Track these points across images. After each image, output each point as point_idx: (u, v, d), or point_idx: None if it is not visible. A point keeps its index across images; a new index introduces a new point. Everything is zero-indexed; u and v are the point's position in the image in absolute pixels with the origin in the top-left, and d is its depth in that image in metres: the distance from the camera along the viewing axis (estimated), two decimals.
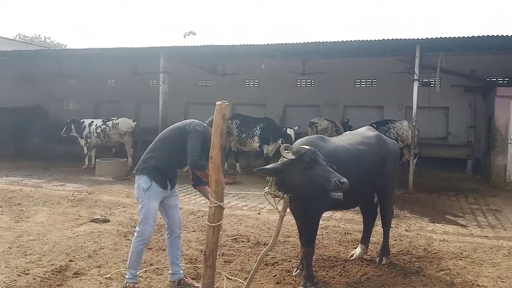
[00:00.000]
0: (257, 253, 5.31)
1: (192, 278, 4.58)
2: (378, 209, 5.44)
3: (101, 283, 4.43)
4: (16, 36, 38.82)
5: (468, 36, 9.51)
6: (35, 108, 16.48)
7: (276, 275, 4.78)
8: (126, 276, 4.27)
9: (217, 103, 3.78)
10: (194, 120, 4.37)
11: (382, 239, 5.43)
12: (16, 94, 16.44)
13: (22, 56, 15.85)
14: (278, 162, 4.20)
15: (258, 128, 12.17)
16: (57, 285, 4.34)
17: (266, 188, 4.30)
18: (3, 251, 5.24)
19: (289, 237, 6.15)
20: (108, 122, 12.90)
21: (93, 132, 12.86)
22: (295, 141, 5.78)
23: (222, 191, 3.87)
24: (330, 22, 74.92)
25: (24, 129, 15.59)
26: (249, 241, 6.01)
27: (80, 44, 69.89)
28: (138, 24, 76.57)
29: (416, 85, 10.14)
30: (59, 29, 71.57)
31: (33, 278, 4.46)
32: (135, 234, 4.25)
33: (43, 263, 4.90)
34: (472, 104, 14.02)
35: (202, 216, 7.15)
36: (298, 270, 4.76)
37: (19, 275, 4.52)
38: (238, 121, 12.27)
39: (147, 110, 16.65)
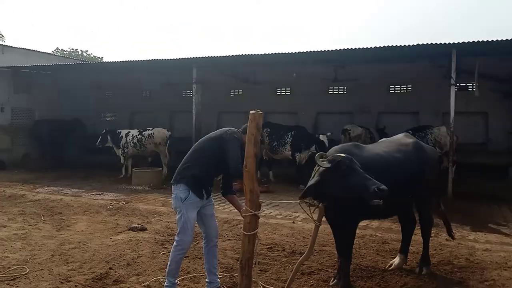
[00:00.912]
0: (293, 262, 5.28)
1: (229, 287, 4.59)
2: (417, 218, 5.31)
3: None
4: (55, 50, 40.41)
5: (506, 39, 9.20)
6: (74, 121, 17.07)
7: (312, 284, 4.73)
8: (165, 284, 4.32)
9: (251, 112, 3.80)
10: (230, 128, 4.40)
11: (421, 249, 5.28)
12: (56, 106, 17.05)
13: (61, 70, 16.45)
14: (315, 174, 4.14)
15: (289, 136, 12.15)
16: None
17: None
18: (46, 259, 5.41)
19: (325, 246, 6.08)
20: (144, 132, 13.23)
21: (130, 142, 13.21)
22: (329, 147, 5.72)
23: (257, 200, 3.88)
24: (363, 28, 74.27)
25: (63, 140, 16.15)
26: (284, 250, 5.98)
27: (116, 56, 71.95)
28: (170, 37, 78.13)
29: (453, 90, 9.88)
30: (96, 42, 73.95)
31: (75, 285, 4.59)
32: (174, 244, 4.30)
33: (84, 271, 5.03)
34: None
35: (237, 225, 7.18)
36: (335, 280, 4.69)
37: (62, 283, 4.66)
38: (269, 130, 12.27)
39: (180, 120, 16.92)
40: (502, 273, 5.08)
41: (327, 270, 5.15)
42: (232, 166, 4.11)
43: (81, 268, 5.13)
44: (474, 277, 4.97)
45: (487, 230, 7.18)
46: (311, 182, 4.13)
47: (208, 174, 4.30)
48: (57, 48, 43.06)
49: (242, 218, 3.92)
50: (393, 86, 15.24)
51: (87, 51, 44.87)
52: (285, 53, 11.30)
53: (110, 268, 5.11)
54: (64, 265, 5.23)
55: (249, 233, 3.82)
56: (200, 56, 12.28)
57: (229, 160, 4.13)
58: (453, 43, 9.59)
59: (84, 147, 16.72)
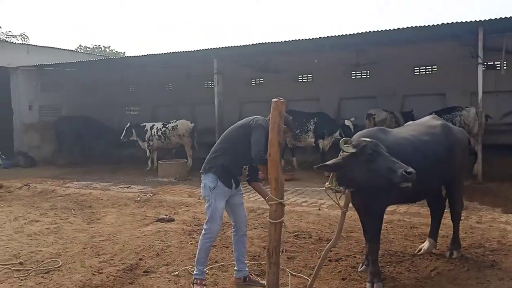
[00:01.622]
0: (320, 249, 5.26)
1: (256, 275, 4.61)
2: (446, 201, 5.20)
3: (169, 280, 4.58)
4: (78, 47, 41.11)
5: None
6: (88, 118, 17.26)
7: (341, 271, 4.71)
8: (194, 272, 4.37)
9: (273, 100, 3.78)
10: (256, 116, 4.37)
11: (451, 232, 5.18)
12: (81, 102, 17.37)
13: (85, 66, 16.70)
14: (338, 157, 4.12)
15: (312, 123, 12.07)
16: (129, 283, 4.54)
17: (327, 183, 4.23)
18: (78, 252, 5.56)
19: (352, 232, 6.04)
20: (168, 125, 13.37)
21: (155, 135, 13.38)
22: (354, 132, 5.64)
23: (282, 188, 3.86)
24: (383, 10, 72.80)
25: (87, 136, 16.44)
26: (311, 237, 5.97)
27: (138, 51, 72.77)
28: (189, 28, 78.42)
29: (480, 69, 9.59)
30: (118, 38, 74.92)
31: (107, 276, 4.69)
32: (203, 232, 4.34)
33: (115, 262, 5.14)
34: None
35: (263, 214, 7.20)
36: (364, 266, 4.66)
37: (94, 274, 4.77)
38: (291, 117, 12.15)
39: (203, 112, 16.96)
40: None
41: (355, 256, 5.12)
42: (254, 152, 4.09)
43: (112, 259, 5.24)
44: (507, 259, 4.85)
45: None
46: (330, 161, 4.14)
47: (236, 163, 4.30)
48: (80, 45, 43.83)
49: (268, 207, 3.92)
50: (417, 68, 14.88)
51: (109, 46, 45.57)
52: (305, 39, 11.15)
53: (140, 259, 5.21)
54: (96, 257, 5.35)
55: (275, 221, 3.81)
56: (221, 47, 12.27)
57: (252, 146, 4.11)
58: (479, 20, 9.27)
59: (110, 142, 16.97)
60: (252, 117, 4.37)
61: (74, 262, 5.17)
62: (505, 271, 4.53)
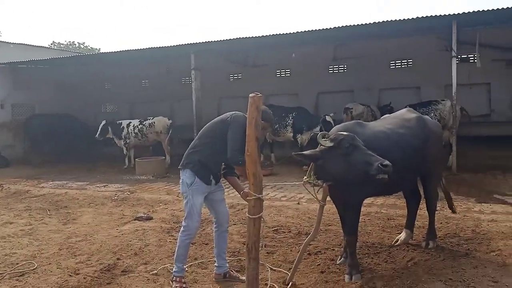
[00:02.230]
0: (299, 243, 5.28)
1: (236, 271, 4.60)
2: (422, 192, 5.29)
3: (148, 279, 4.53)
4: (51, 44, 40.22)
5: (506, 8, 9.03)
6: (66, 115, 16.91)
7: (320, 264, 4.74)
8: (173, 270, 4.32)
9: (250, 95, 3.75)
10: (235, 112, 4.28)
11: (427, 223, 5.28)
12: (55, 100, 17.02)
13: (59, 63, 16.36)
14: (316, 149, 4.14)
15: (290, 117, 12.11)
16: (107, 283, 4.46)
17: (305, 177, 4.25)
18: (53, 253, 5.44)
19: (330, 225, 6.09)
20: (144, 122, 13.21)
21: (131, 132, 13.19)
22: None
23: (261, 183, 3.84)
24: (359, 4, 73.46)
25: (60, 135, 16.05)
26: (290, 231, 5.99)
27: (113, 47, 71.72)
28: (165, 24, 77.62)
29: (454, 62, 9.76)
30: (92, 34, 73.54)
31: (84, 277, 4.60)
32: (181, 229, 4.29)
33: (92, 263, 5.05)
34: None
35: (242, 209, 7.18)
36: (342, 258, 4.70)
37: (70, 275, 4.67)
38: (270, 111, 12.21)
39: (181, 108, 16.87)
40: (508, 242, 5.08)
41: (333, 249, 5.16)
42: (229, 153, 4.04)
43: (89, 260, 5.15)
44: (480, 248, 4.97)
45: (492, 201, 7.17)
46: (308, 151, 4.19)
47: (214, 159, 4.22)
48: (54, 41, 42.92)
49: (247, 203, 3.91)
50: (393, 62, 15.08)
51: (84, 43, 44.73)
52: (282, 34, 11.16)
53: (118, 259, 5.13)
54: (72, 258, 5.25)
55: (254, 216, 3.80)
56: (198, 42, 12.16)
57: (227, 146, 4.05)
58: (453, 14, 9.43)
59: (85, 140, 16.65)
60: (231, 112, 4.30)
61: (49, 263, 5.06)
62: (479, 259, 4.63)
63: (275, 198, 8.21)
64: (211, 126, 4.34)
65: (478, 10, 9.27)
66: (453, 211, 5.65)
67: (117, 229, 6.47)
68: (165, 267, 4.79)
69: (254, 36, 11.42)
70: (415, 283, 4.12)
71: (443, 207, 6.74)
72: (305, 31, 10.88)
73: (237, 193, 7.67)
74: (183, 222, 4.30)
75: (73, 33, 72.42)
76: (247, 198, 3.84)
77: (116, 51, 14.36)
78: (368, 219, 6.35)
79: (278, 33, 11.19)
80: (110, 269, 4.82)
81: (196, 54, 12.40)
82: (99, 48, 43.56)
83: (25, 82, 16.60)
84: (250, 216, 3.80)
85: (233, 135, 4.05)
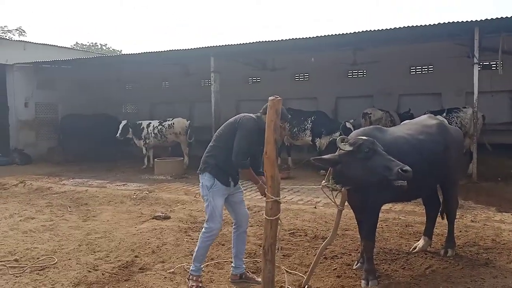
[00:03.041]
0: (315, 247, 5.28)
1: (252, 272, 4.63)
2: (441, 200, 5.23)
3: (165, 277, 4.58)
4: (74, 45, 40.90)
5: None
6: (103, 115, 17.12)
7: (336, 268, 4.73)
8: (191, 268, 4.37)
9: (270, 98, 3.79)
10: (244, 114, 4.33)
11: (446, 231, 5.22)
12: (78, 100, 17.33)
13: (82, 64, 16.65)
14: (335, 154, 4.14)
15: (309, 121, 12.10)
16: (125, 280, 4.54)
17: (323, 181, 4.25)
18: (73, 249, 5.54)
19: (347, 230, 6.07)
20: (164, 123, 13.37)
21: (151, 133, 13.36)
22: None
23: (278, 186, 3.87)
24: (381, 9, 73.00)
25: (96, 135, 16.13)
26: (306, 235, 5.99)
27: (135, 49, 72.67)
28: (186, 27, 78.32)
29: (476, 69, 9.63)
30: (115, 35, 74.66)
31: (102, 273, 4.69)
32: (203, 230, 4.34)
33: (110, 259, 5.14)
34: None
35: (259, 211, 7.21)
36: (359, 264, 4.68)
37: (89, 271, 4.77)
38: (289, 115, 12.25)
39: (200, 110, 17.00)
40: None
41: (350, 254, 5.14)
42: (233, 156, 4.11)
43: (108, 256, 5.24)
44: (501, 258, 4.89)
45: None
46: (327, 155, 4.22)
47: (229, 162, 4.23)
48: (77, 42, 43.63)
49: (264, 205, 3.93)
50: (413, 67, 14.93)
51: (106, 44, 45.36)
52: (301, 38, 11.17)
53: (136, 256, 5.21)
54: (91, 254, 5.35)
55: (271, 218, 3.83)
56: (218, 45, 12.25)
57: (233, 150, 4.11)
58: (475, 20, 9.31)
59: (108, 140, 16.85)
60: (241, 115, 4.35)
61: (69, 259, 5.16)
62: (499, 269, 4.56)
63: (292, 201, 8.22)
64: (222, 130, 4.39)
65: (501, 17, 9.12)
66: (441, 217, 5.38)
67: (135, 227, 6.56)
68: (181, 266, 4.84)
69: (273, 40, 11.47)
70: None
71: (463, 215, 6.68)
72: (324, 35, 10.87)
73: (254, 195, 7.72)
74: (205, 224, 4.35)
75: (95, 34, 73.60)
76: (266, 200, 3.86)
77: (137, 52, 14.57)
78: (386, 225, 6.31)
79: (297, 37, 11.21)
80: (128, 266, 4.90)
81: (215, 56, 12.49)
82: (121, 50, 44.11)
83: (48, 82, 16.99)
84: (267, 218, 3.83)
85: (238, 139, 4.12)
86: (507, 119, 13.59)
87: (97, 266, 4.91)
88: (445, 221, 5.22)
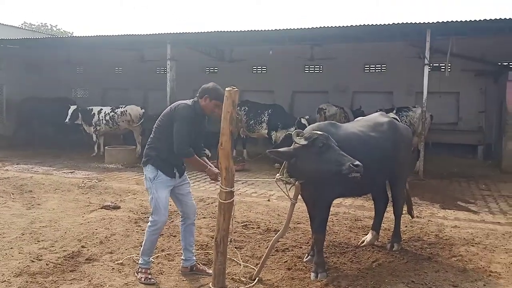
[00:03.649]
0: (268, 240, 5.32)
1: (204, 264, 4.60)
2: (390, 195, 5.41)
3: (113, 268, 4.47)
4: (22, 24, 38.85)
5: (479, 20, 9.32)
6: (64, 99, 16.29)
7: (287, 261, 4.78)
8: (139, 262, 4.29)
9: (227, 89, 3.75)
10: (179, 102, 4.24)
11: (393, 226, 5.40)
12: (25, 82, 16.45)
13: (29, 44, 15.81)
14: (291, 147, 4.17)
15: (266, 114, 12.14)
16: (70, 271, 4.38)
17: (278, 174, 4.28)
18: (16, 237, 5.29)
19: (299, 223, 6.15)
20: (116, 110, 12.95)
21: (102, 119, 12.91)
22: None
23: (233, 178, 3.86)
24: (339, 6, 74.30)
25: (50, 119, 15.36)
26: (259, 227, 6.01)
27: (87, 31, 69.98)
28: (143, 12, 76.38)
29: (426, 70, 10.00)
30: (66, 17, 71.52)
31: (46, 263, 4.51)
32: (149, 224, 4.26)
33: (55, 249, 4.94)
34: (483, 89, 13.78)
35: (212, 203, 7.17)
36: (309, 256, 4.76)
37: (33, 261, 4.57)
38: (247, 108, 12.29)
39: (154, 98, 16.61)
40: (469, 248, 5.25)
41: (301, 247, 5.22)
42: (175, 147, 4.04)
43: (53, 246, 5.04)
44: (443, 253, 5.12)
45: (456, 208, 7.39)
46: (282, 148, 4.23)
47: (172, 152, 4.12)
48: (25, 22, 41.49)
49: (217, 197, 3.90)
50: (368, 66, 15.32)
51: (56, 25, 43.41)
52: (260, 30, 11.17)
53: (83, 247, 5.04)
54: (35, 243, 5.12)
55: (225, 201, 3.81)
56: (175, 32, 12.00)
57: (174, 141, 4.04)
58: (428, 22, 9.66)
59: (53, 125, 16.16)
60: (175, 103, 4.25)
61: (11, 248, 4.92)
62: (441, 263, 4.78)
63: (245, 194, 8.23)
64: (160, 121, 4.27)
65: (452, 21, 9.51)
66: (411, 216, 5.78)
67: (83, 217, 6.35)
68: (131, 257, 4.74)
69: (232, 30, 11.38)
70: (379, 283, 4.21)
71: None
72: (282, 29, 10.92)
73: (207, 186, 7.66)
74: (150, 217, 4.27)
75: (45, 14, 70.17)
76: (220, 190, 3.83)
77: (90, 35, 14.02)
78: (336, 219, 6.45)
79: (255, 30, 11.19)
80: (74, 257, 4.74)
81: (172, 44, 12.23)
82: (72, 32, 42.37)
83: None
84: (222, 201, 3.81)
85: (177, 128, 4.05)
86: (453, 120, 14.27)
87: (40, 256, 4.71)
88: (392, 216, 5.40)
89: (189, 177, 4.54)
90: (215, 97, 4.07)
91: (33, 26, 39.54)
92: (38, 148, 13.92)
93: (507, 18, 9.10)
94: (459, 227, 6.18)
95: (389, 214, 5.63)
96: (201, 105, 4.16)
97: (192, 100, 4.24)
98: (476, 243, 5.45)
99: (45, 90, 16.72)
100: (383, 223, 5.63)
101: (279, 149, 4.25)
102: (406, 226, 6.06)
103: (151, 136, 4.30)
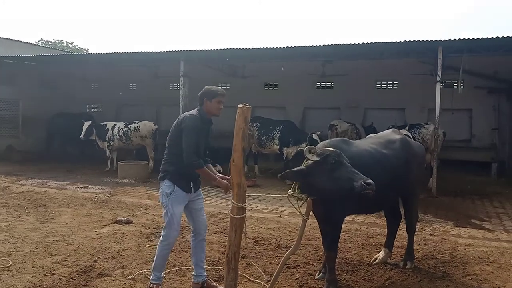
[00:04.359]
0: (279, 256, 5.30)
1: (214, 280, 4.59)
2: (403, 213, 5.37)
3: (125, 283, 4.48)
4: (39, 41, 39.74)
5: (491, 37, 9.33)
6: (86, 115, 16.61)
7: (298, 278, 4.76)
8: (150, 277, 4.30)
9: (239, 106, 3.78)
10: (185, 114, 4.28)
11: (406, 243, 5.35)
12: (41, 98, 16.75)
13: (46, 61, 16.16)
14: (302, 165, 4.18)
15: (278, 130, 12.18)
16: (82, 285, 4.41)
17: (290, 190, 4.28)
18: (29, 252, 5.35)
19: (311, 240, 6.12)
20: (130, 125, 13.11)
21: (116, 135, 13.08)
22: None
23: (244, 194, 3.87)
24: (351, 23, 74.70)
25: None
26: (270, 243, 6.00)
27: (102, 48, 71.22)
28: (157, 29, 77.59)
29: (438, 87, 9.98)
30: (82, 34, 72.95)
31: (59, 278, 4.54)
32: (161, 239, 4.27)
33: (68, 264, 4.98)
34: (496, 106, 13.74)
35: (223, 219, 7.18)
36: (321, 274, 4.73)
37: (46, 275, 4.61)
38: (259, 124, 12.35)
39: (168, 114, 16.76)
40: (484, 267, 5.17)
41: (312, 264, 5.19)
42: (185, 158, 4.05)
43: (65, 260, 5.08)
44: (457, 271, 5.05)
45: (470, 226, 7.29)
46: (294, 169, 4.18)
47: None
48: (42, 39, 42.39)
49: (229, 212, 3.91)
50: (379, 82, 15.34)
51: (72, 42, 44.34)
52: (272, 47, 11.28)
53: (95, 261, 5.07)
54: (48, 257, 5.17)
55: (237, 216, 3.80)
56: (188, 50, 12.19)
57: (183, 153, 4.06)
58: (439, 40, 9.68)
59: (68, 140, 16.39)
60: (182, 115, 4.31)
61: (25, 262, 4.98)
62: (455, 282, 4.71)
63: (257, 209, 8.22)
64: (171, 134, 4.30)
65: (464, 38, 9.52)
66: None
67: (95, 231, 6.39)
68: (142, 272, 4.75)
69: (244, 47, 11.51)
70: None
71: (422, 228, 6.87)
72: (294, 46, 11.02)
73: (219, 201, 7.67)
74: (162, 231, 4.29)
75: (61, 31, 71.67)
76: (231, 205, 3.84)
77: (105, 52, 14.31)
78: (348, 236, 6.40)
79: (268, 47, 11.31)
80: (86, 271, 4.76)
81: (185, 61, 12.42)
82: (88, 49, 43.23)
83: (10, 78, 16.31)
84: (233, 216, 3.80)
85: (186, 139, 4.08)
86: (466, 137, 14.16)
87: (53, 270, 4.75)
88: (405, 233, 5.35)
89: (202, 193, 4.56)
90: (212, 95, 4.15)
91: (49, 43, 40.44)
92: (66, 163, 14.02)
93: None
94: (473, 245, 6.09)
95: (402, 231, 5.58)
96: (206, 110, 4.20)
97: (196, 109, 4.29)
98: (491, 262, 5.37)
99: (60, 106, 17.02)
100: (396, 240, 5.58)
101: (290, 171, 4.20)
102: (419, 244, 6.00)
103: (166, 151, 4.34)
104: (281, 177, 4.19)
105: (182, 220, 4.40)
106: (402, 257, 5.30)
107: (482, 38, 9.42)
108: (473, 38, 9.48)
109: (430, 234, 6.63)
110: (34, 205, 8.05)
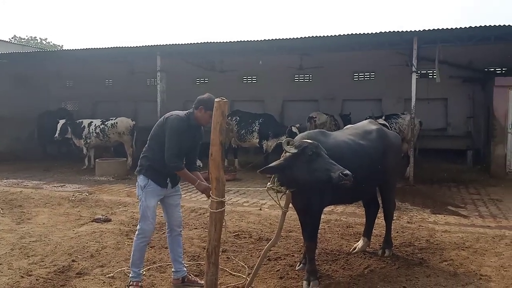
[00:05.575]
0: (260, 249, 5.31)
1: (195, 275, 4.57)
2: (380, 202, 5.44)
3: (104, 282, 4.43)
4: (12, 38, 38.77)
5: (464, 27, 9.50)
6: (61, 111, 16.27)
7: (279, 270, 4.78)
8: (130, 275, 4.26)
9: (216, 100, 3.76)
10: (171, 113, 4.26)
11: (384, 232, 5.43)
12: (14, 96, 16.34)
13: (19, 59, 15.77)
14: (281, 158, 4.18)
15: (257, 123, 12.17)
16: (60, 286, 4.34)
17: (269, 183, 4.28)
18: (5, 253, 5.23)
19: (291, 232, 6.15)
20: (107, 122, 12.90)
21: (92, 132, 12.86)
22: None
23: (223, 188, 3.85)
24: (327, 16, 75.02)
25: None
26: (251, 237, 6.01)
27: (77, 44, 69.87)
28: (132, 24, 76.47)
29: (414, 77, 10.12)
30: (55, 30, 71.41)
31: (36, 279, 4.46)
32: (136, 232, 4.25)
33: (45, 264, 4.89)
34: (471, 95, 14.00)
35: (204, 214, 7.16)
36: (301, 265, 4.76)
37: (22, 277, 4.52)
38: (238, 118, 12.32)
39: (145, 109, 16.60)
40: (460, 253, 5.29)
41: (293, 255, 5.22)
42: (166, 159, 4.04)
43: (43, 261, 4.99)
44: (434, 257, 5.15)
45: (446, 213, 7.44)
46: (273, 163, 4.17)
47: (164, 162, 4.12)
48: (15, 35, 41.37)
49: (208, 207, 3.89)
50: (357, 74, 15.47)
51: (46, 39, 43.42)
52: (249, 41, 11.26)
53: (73, 261, 5.00)
54: (25, 258, 5.07)
55: (216, 210, 3.77)
56: (164, 44, 12.04)
57: (165, 152, 4.05)
58: (414, 30, 9.80)
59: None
60: (167, 114, 4.28)
61: (0, 264, 4.86)
62: (432, 268, 4.80)
63: (237, 203, 8.22)
64: (154, 130, 4.30)
65: (438, 28, 9.68)
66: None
67: (73, 231, 6.29)
68: (122, 270, 4.70)
69: (221, 41, 11.44)
70: None
71: (400, 216, 6.99)
72: (271, 39, 11.02)
73: (199, 197, 7.64)
74: (138, 225, 4.26)
75: (35, 28, 69.98)
76: (211, 201, 3.82)
77: (79, 48, 13.99)
78: (328, 227, 6.46)
79: (245, 40, 11.28)
80: (64, 271, 4.69)
81: (162, 56, 12.29)
82: (62, 45, 42.42)
83: None
84: (212, 210, 3.78)
85: (168, 140, 4.06)
86: (442, 126, 14.43)
87: (30, 271, 4.66)
88: (383, 222, 5.43)
89: (181, 188, 4.53)
90: (210, 108, 4.05)
91: (22, 40, 39.48)
92: (43, 163, 13.73)
93: (492, 25, 9.27)
94: (449, 231, 6.22)
95: (380, 220, 5.65)
96: (196, 116, 4.16)
97: (187, 111, 4.25)
98: (466, 247, 5.49)
99: (35, 104, 16.63)
100: (375, 229, 5.66)
101: (270, 166, 4.17)
102: (397, 232, 6.09)
103: (146, 145, 4.31)
104: (261, 172, 4.18)
105: (160, 215, 4.37)
106: (380, 246, 5.38)
107: (456, 28, 9.58)
108: (446, 28, 9.64)
109: (408, 222, 6.75)
110: (10, 205, 7.88)
